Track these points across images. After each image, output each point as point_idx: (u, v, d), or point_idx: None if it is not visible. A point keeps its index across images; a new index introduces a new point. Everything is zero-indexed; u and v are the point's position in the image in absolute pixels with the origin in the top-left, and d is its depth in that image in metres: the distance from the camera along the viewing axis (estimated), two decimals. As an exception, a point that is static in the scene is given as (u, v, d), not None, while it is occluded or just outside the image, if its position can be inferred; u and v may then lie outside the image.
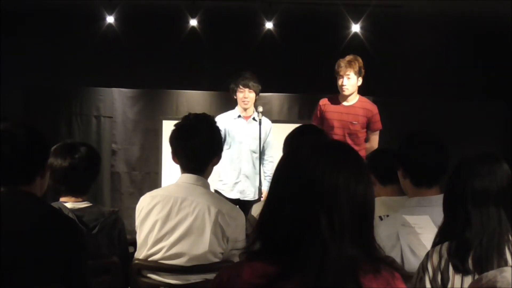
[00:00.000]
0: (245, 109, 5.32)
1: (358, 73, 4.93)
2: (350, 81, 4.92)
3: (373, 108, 5.06)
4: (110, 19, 6.45)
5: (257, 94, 5.32)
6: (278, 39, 6.57)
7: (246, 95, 5.25)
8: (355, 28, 6.44)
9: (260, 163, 5.21)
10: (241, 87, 5.25)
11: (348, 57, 4.93)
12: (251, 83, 5.23)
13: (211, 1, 6.23)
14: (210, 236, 2.70)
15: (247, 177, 5.30)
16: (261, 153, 5.24)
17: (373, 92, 6.82)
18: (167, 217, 2.74)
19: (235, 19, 6.64)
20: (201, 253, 2.71)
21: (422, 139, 2.65)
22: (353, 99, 5.04)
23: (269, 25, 6.50)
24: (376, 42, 6.61)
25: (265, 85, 6.78)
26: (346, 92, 4.96)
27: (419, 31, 6.77)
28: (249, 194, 5.31)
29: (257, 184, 5.11)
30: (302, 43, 6.65)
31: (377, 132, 5.11)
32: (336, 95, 5.07)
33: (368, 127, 5.05)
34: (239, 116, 5.33)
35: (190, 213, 2.73)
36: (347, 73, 4.89)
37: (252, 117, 5.33)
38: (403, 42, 6.86)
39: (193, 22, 6.44)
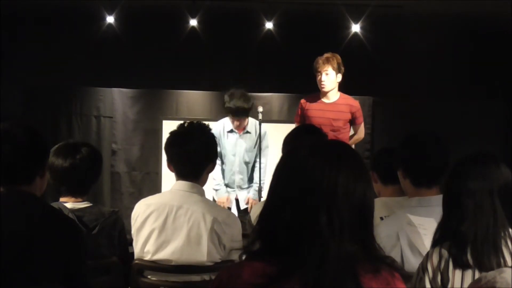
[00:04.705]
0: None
1: (337, 70, 4.96)
2: (329, 77, 4.95)
3: (356, 104, 5.14)
4: (110, 19, 6.45)
5: (250, 111, 5.13)
6: (278, 39, 6.57)
7: (239, 123, 5.14)
8: (355, 28, 6.45)
9: (253, 171, 5.25)
10: (231, 116, 5.10)
11: (326, 54, 4.97)
12: (241, 111, 5.01)
13: (211, 1, 6.23)
14: (208, 244, 2.70)
15: (241, 188, 5.33)
16: (255, 157, 5.25)
17: (373, 92, 6.83)
18: (163, 226, 2.74)
19: (235, 19, 6.64)
20: (200, 262, 2.71)
21: (422, 139, 2.65)
22: (334, 96, 5.06)
23: (269, 25, 6.51)
24: (376, 42, 6.61)
25: (265, 85, 6.80)
26: (325, 89, 4.98)
27: (419, 31, 6.77)
28: (242, 203, 5.35)
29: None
30: (302, 43, 6.65)
31: (362, 124, 5.23)
32: (317, 93, 5.09)
33: (353, 122, 5.14)
34: (232, 130, 5.22)
35: (186, 221, 2.73)
36: (325, 69, 4.92)
37: (246, 130, 5.23)
38: (403, 42, 6.86)
39: (193, 22, 6.44)
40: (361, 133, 5.26)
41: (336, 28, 6.51)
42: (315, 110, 5.05)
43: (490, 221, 2.03)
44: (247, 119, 5.19)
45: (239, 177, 5.29)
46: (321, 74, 4.95)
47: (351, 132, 5.26)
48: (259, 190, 5.01)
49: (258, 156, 5.13)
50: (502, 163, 2.12)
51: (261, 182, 5.05)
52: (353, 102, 5.13)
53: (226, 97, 5.05)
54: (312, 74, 5.07)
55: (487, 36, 6.79)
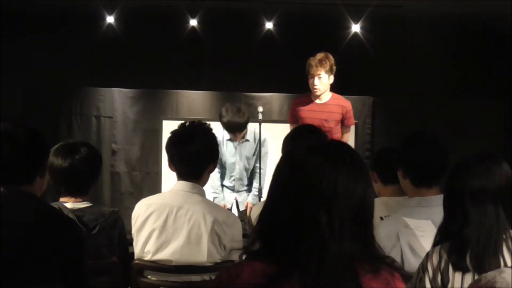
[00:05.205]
0: None
1: (330, 72, 4.88)
2: (322, 81, 4.87)
3: (347, 104, 5.06)
4: (110, 19, 6.45)
5: (246, 126, 5.11)
6: (278, 39, 6.57)
7: (235, 137, 5.15)
8: (355, 28, 6.44)
9: (253, 175, 5.26)
10: (229, 132, 5.12)
11: (319, 56, 4.87)
12: (235, 128, 5.02)
13: (211, 1, 6.23)
14: (208, 245, 2.70)
15: (239, 191, 5.34)
16: (254, 163, 5.25)
17: (373, 92, 6.83)
18: (163, 226, 2.73)
19: (235, 19, 6.64)
20: (200, 262, 2.71)
21: (422, 139, 2.65)
22: (326, 97, 5.00)
23: (269, 25, 6.51)
24: (376, 42, 6.61)
25: (265, 85, 6.80)
26: (318, 93, 4.93)
27: (419, 31, 6.77)
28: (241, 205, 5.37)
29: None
30: (302, 43, 6.65)
31: (350, 128, 5.16)
32: (308, 94, 5.03)
33: (342, 123, 5.06)
34: (231, 139, 5.23)
35: (186, 222, 2.72)
36: (318, 73, 4.83)
37: (244, 139, 5.23)
38: (403, 42, 6.86)
39: (193, 22, 6.44)
40: (346, 137, 5.14)
41: (336, 28, 6.51)
42: (306, 111, 4.99)
43: (493, 225, 2.02)
44: (244, 131, 5.17)
45: (239, 183, 5.32)
46: (313, 78, 4.87)
47: None
48: (259, 196, 5.02)
49: (258, 162, 5.14)
50: (503, 162, 2.12)
51: (261, 187, 5.06)
52: (345, 103, 5.06)
53: (221, 112, 5.01)
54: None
55: (488, 36, 6.79)
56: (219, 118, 5.01)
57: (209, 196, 5.16)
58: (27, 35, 6.67)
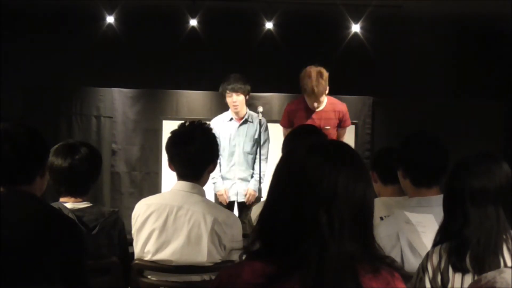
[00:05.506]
0: (236, 113, 5.31)
1: (326, 87, 4.93)
2: (321, 100, 4.97)
3: (343, 108, 5.13)
4: (110, 19, 6.46)
5: (247, 95, 5.27)
6: (278, 39, 6.57)
7: (234, 99, 5.21)
8: (355, 28, 6.45)
9: (254, 162, 5.25)
10: (228, 91, 5.22)
11: (314, 79, 4.85)
12: (237, 86, 5.18)
13: (211, 1, 6.23)
14: (208, 245, 2.71)
15: (241, 179, 5.31)
16: (256, 149, 5.28)
17: (373, 92, 6.83)
18: (163, 226, 2.74)
19: (235, 19, 6.64)
20: (200, 262, 2.71)
21: (422, 139, 2.65)
22: (322, 103, 5.05)
23: (269, 25, 6.51)
24: (376, 42, 6.61)
25: (265, 85, 6.80)
26: (317, 110, 5.01)
27: (419, 31, 6.77)
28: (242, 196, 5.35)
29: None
30: (302, 43, 6.65)
31: (346, 128, 5.23)
32: (303, 96, 5.06)
33: (339, 125, 5.14)
34: (231, 119, 5.31)
35: (186, 222, 2.73)
36: (319, 97, 4.91)
37: (244, 118, 5.31)
38: (403, 42, 6.86)
39: (193, 22, 6.45)
40: (343, 137, 5.20)
41: (336, 28, 6.51)
42: (304, 118, 5.00)
43: (494, 225, 2.02)
44: (244, 100, 5.24)
45: (239, 169, 5.30)
46: (312, 101, 4.94)
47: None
48: (259, 182, 5.02)
49: (259, 148, 5.15)
50: (504, 162, 2.12)
51: (261, 173, 5.06)
52: (340, 107, 5.12)
53: (223, 80, 5.24)
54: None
55: (488, 36, 6.79)
56: (221, 85, 5.25)
57: (208, 183, 5.18)
58: (27, 35, 6.67)
